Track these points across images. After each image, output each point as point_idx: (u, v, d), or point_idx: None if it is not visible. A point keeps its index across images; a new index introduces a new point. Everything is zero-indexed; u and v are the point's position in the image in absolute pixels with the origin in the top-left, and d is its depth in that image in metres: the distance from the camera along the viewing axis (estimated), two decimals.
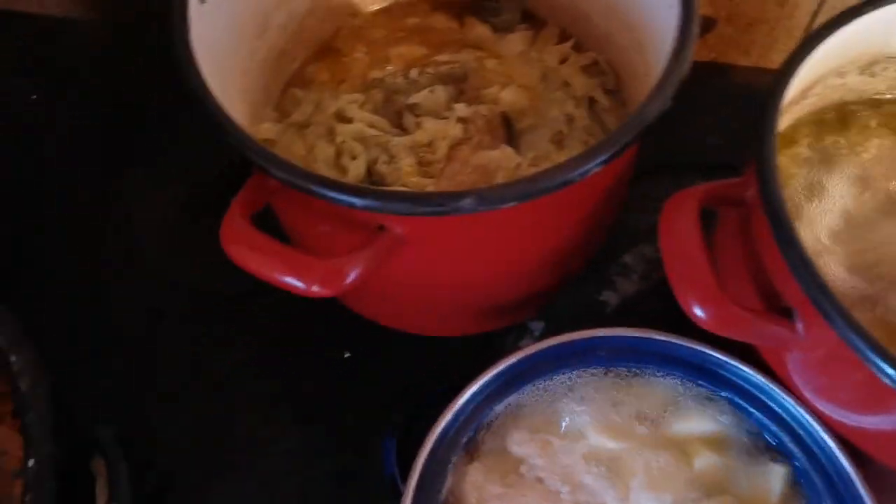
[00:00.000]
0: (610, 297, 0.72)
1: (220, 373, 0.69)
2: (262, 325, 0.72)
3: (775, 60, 0.84)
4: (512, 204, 0.42)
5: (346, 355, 0.70)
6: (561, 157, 0.63)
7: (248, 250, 0.44)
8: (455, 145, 0.64)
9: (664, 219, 0.47)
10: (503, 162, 0.63)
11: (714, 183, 0.48)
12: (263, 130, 0.64)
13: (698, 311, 0.45)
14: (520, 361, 0.50)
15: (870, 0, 0.49)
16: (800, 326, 0.45)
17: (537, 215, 0.51)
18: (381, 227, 0.45)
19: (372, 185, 0.63)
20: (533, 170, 0.63)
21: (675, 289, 0.46)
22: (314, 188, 0.42)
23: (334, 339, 0.71)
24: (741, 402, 0.51)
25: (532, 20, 0.73)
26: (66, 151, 0.82)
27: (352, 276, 0.43)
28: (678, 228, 0.46)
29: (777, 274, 0.46)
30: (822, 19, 0.75)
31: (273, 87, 0.67)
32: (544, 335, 0.67)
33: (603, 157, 0.44)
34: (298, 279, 0.43)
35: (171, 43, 0.47)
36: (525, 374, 0.51)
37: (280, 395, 0.68)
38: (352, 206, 0.42)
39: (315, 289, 0.43)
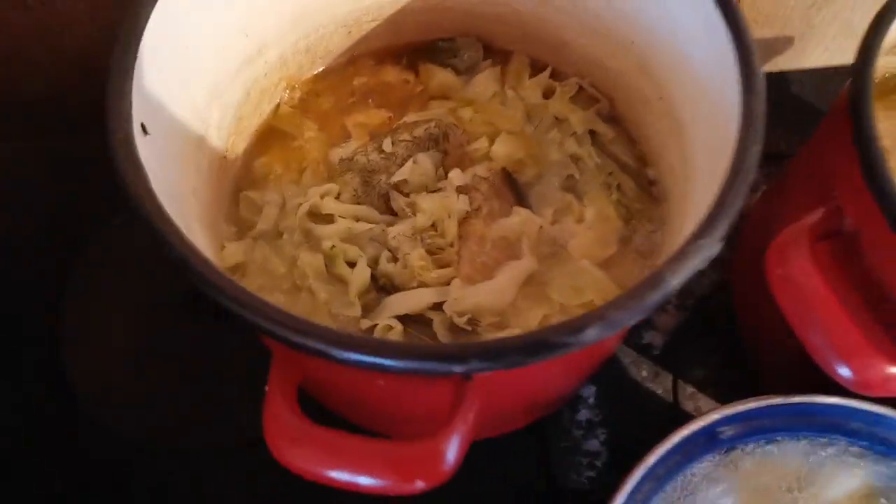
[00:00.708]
0: (653, 338, 0.67)
1: None
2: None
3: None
4: (638, 319, 0.34)
5: None
6: (586, 207, 0.56)
7: (314, 451, 0.33)
8: (462, 221, 0.55)
9: (773, 266, 0.41)
10: (525, 227, 0.55)
11: (818, 213, 0.42)
12: (228, 256, 0.53)
13: (844, 372, 0.39)
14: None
15: None
16: None
17: None
18: (468, 377, 0.35)
19: (380, 291, 0.53)
20: (557, 227, 0.56)
21: (810, 349, 0.40)
22: (395, 364, 0.32)
23: None
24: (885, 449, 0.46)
25: (494, 53, 0.65)
26: None
27: (453, 456, 0.34)
28: (795, 275, 0.40)
29: None
30: None
31: (222, 198, 0.55)
32: (599, 399, 0.60)
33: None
34: (394, 477, 0.33)
35: (126, 188, 0.36)
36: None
37: None
38: (449, 373, 0.32)
39: (419, 485, 0.33)
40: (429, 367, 0.32)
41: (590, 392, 0.63)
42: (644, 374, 0.66)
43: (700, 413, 0.65)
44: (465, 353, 0.32)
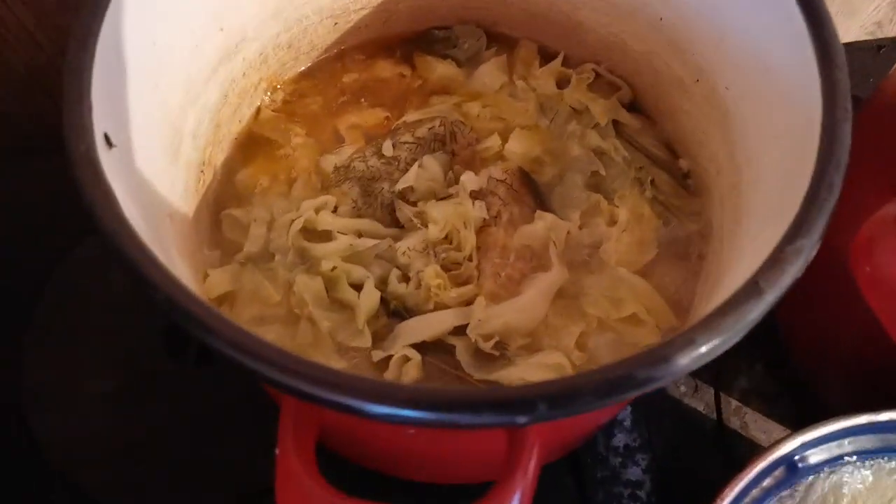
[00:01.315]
0: None
1: None
2: None
3: None
4: (732, 343, 0.28)
5: None
6: (618, 207, 0.51)
7: None
8: (480, 230, 0.50)
9: (861, 264, 0.36)
10: (551, 233, 0.50)
11: None
12: (213, 285, 0.47)
13: None
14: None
15: None
16: None
17: None
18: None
19: (392, 316, 0.47)
20: (587, 231, 0.51)
21: None
22: (443, 418, 0.26)
23: None
24: None
25: (497, 41, 0.60)
26: None
27: None
28: (890, 273, 0.35)
29: None
30: None
31: (201, 220, 0.49)
32: (636, 421, 0.55)
33: None
34: None
35: (92, 213, 0.30)
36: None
37: None
38: (512, 425, 0.26)
39: None
40: (487, 421, 0.26)
41: (625, 414, 0.58)
42: (683, 389, 0.60)
43: (747, 429, 0.60)
44: (531, 399, 0.26)
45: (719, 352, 0.28)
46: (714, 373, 0.60)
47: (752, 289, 0.29)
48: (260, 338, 0.28)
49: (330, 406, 0.27)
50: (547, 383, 0.27)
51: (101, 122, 0.33)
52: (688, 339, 0.28)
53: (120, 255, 0.29)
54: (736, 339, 0.29)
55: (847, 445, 0.41)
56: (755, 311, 0.29)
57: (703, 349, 0.28)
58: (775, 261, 0.30)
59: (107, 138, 0.33)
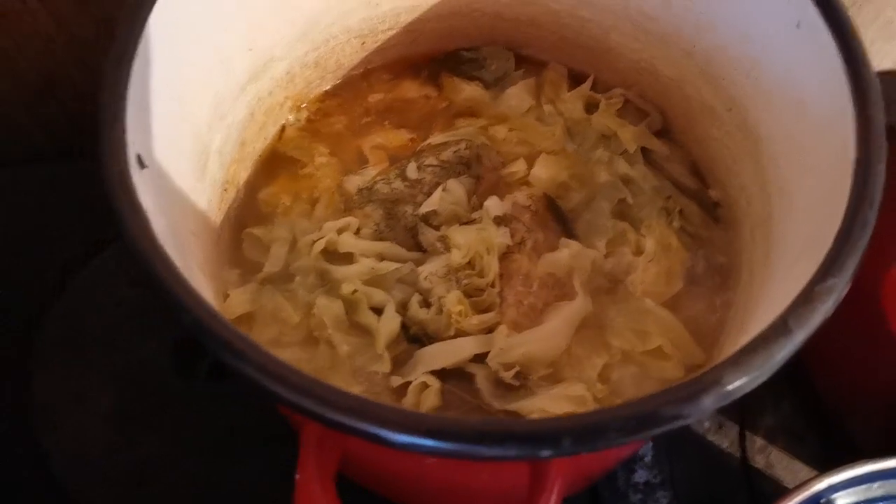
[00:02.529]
0: None
1: None
2: None
3: None
4: (758, 383, 0.29)
5: None
6: (645, 237, 0.52)
7: None
8: (503, 256, 0.51)
9: (893, 297, 0.36)
10: (576, 262, 0.51)
11: None
12: (233, 305, 0.48)
13: None
14: None
15: None
16: None
17: None
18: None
19: (412, 341, 0.48)
20: (613, 261, 0.52)
21: None
22: (469, 449, 0.27)
23: None
24: None
25: (525, 63, 0.62)
26: None
27: None
28: None
29: None
30: None
31: (223, 239, 0.51)
32: (658, 457, 0.56)
33: None
34: None
35: (126, 235, 0.32)
36: None
37: None
38: (536, 458, 0.28)
39: None
40: (511, 453, 0.27)
41: (646, 449, 0.59)
42: (707, 425, 0.61)
43: (772, 469, 0.61)
44: (557, 433, 0.27)
45: (746, 391, 0.29)
46: (739, 409, 0.61)
47: (780, 327, 0.30)
48: (288, 364, 0.29)
49: (354, 433, 0.28)
50: (572, 417, 0.28)
51: (134, 144, 0.35)
52: (715, 377, 0.29)
53: (152, 277, 0.31)
54: (763, 379, 0.30)
55: (877, 489, 0.42)
56: (784, 351, 0.30)
57: (730, 387, 0.29)
58: (806, 299, 0.31)
59: (140, 160, 0.35)
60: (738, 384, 0.29)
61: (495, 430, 0.28)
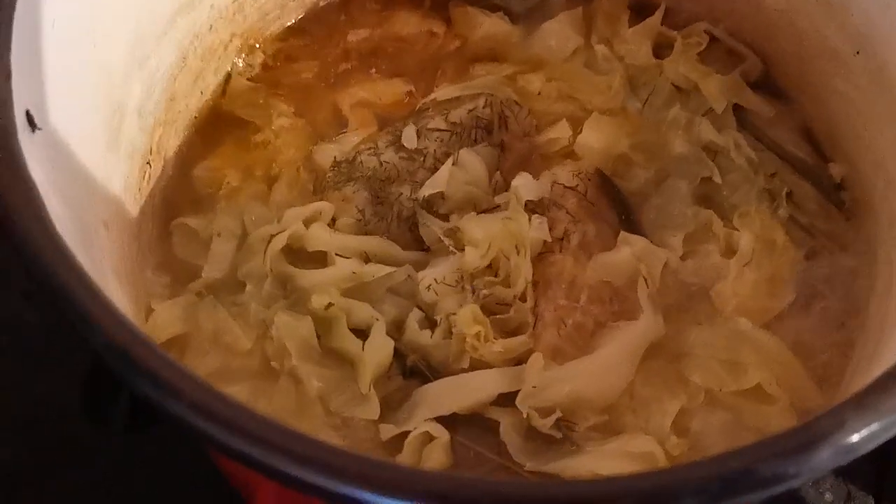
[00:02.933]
0: None
1: None
2: None
3: None
4: None
5: None
6: (739, 231, 0.53)
7: None
8: (538, 257, 0.52)
9: None
10: (643, 266, 0.52)
11: None
12: (161, 324, 0.50)
13: None
14: None
15: None
16: None
17: None
18: None
19: (410, 375, 0.50)
20: (693, 264, 0.53)
21: None
22: None
23: None
24: None
25: None
26: None
27: None
28: None
29: None
30: None
31: (146, 228, 0.52)
32: None
33: None
34: None
35: (8, 219, 0.33)
36: None
37: None
38: None
39: None
40: None
41: None
42: (829, 497, 0.62)
43: None
44: (611, 498, 0.28)
45: (878, 441, 0.30)
46: (875, 475, 0.61)
47: None
48: (235, 401, 0.30)
49: (326, 498, 0.29)
50: (633, 478, 0.28)
51: (22, 96, 0.36)
52: (833, 422, 0.29)
53: (45, 280, 0.32)
54: None
55: None
56: None
57: (855, 438, 0.29)
58: None
59: (29, 118, 0.36)
60: (867, 433, 0.29)
61: (523, 496, 0.28)
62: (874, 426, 0.30)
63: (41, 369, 0.62)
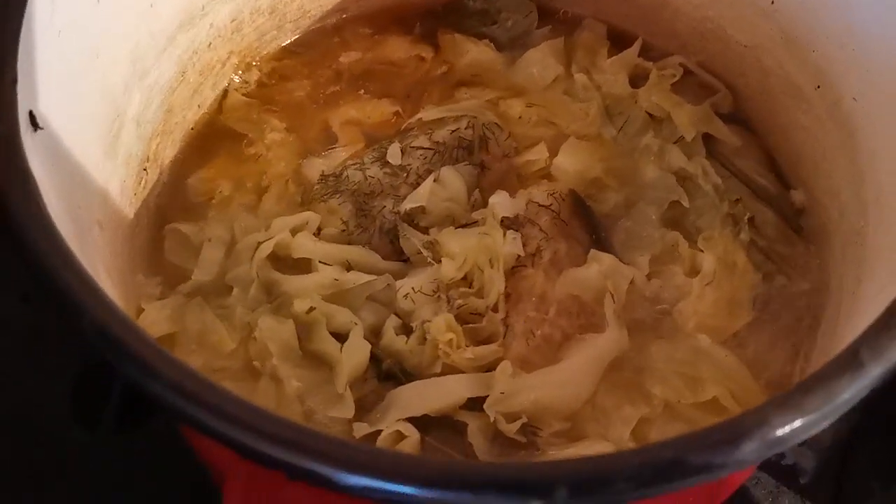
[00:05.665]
0: (801, 458, 0.64)
1: None
2: None
3: None
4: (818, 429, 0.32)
5: None
6: (703, 252, 0.54)
7: None
8: (512, 271, 0.54)
9: None
10: (609, 282, 0.53)
11: None
12: (149, 323, 0.51)
13: None
14: None
15: None
16: None
17: None
18: None
19: (385, 378, 0.51)
20: (658, 283, 0.54)
21: None
22: (441, 496, 0.30)
23: None
24: None
25: (553, 18, 0.65)
26: None
27: None
28: None
29: None
30: None
31: (140, 232, 0.54)
32: None
33: None
34: None
35: (9, 210, 0.35)
36: None
37: None
38: None
39: None
40: (492, 501, 0.30)
41: None
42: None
43: None
44: (550, 481, 0.30)
45: (801, 437, 0.32)
46: (833, 492, 0.63)
47: (849, 359, 0.33)
48: (213, 382, 0.32)
49: (292, 473, 0.31)
50: (573, 462, 0.30)
51: (26, 98, 0.38)
52: (759, 417, 0.31)
53: (41, 268, 0.34)
54: (824, 423, 0.32)
55: None
56: (852, 388, 0.32)
57: (780, 433, 0.31)
58: (884, 326, 0.33)
59: (32, 118, 0.38)
60: (790, 429, 0.31)
61: (473, 475, 0.30)
62: (797, 422, 0.32)
63: (34, 372, 0.63)
